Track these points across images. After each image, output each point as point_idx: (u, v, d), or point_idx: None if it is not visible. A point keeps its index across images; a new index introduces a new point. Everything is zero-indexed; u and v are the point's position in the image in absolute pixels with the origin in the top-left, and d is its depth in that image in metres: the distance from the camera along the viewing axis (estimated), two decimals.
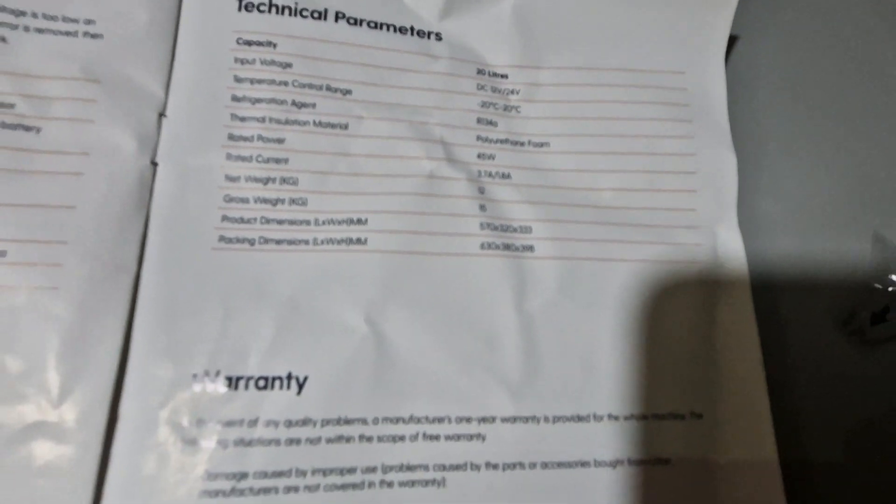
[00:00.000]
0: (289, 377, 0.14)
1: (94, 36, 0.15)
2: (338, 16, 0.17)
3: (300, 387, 0.14)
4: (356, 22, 0.17)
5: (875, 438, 0.17)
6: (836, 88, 0.21)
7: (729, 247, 0.17)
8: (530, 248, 0.16)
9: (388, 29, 0.17)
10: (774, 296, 0.18)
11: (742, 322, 0.17)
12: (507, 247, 0.16)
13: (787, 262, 0.18)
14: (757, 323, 0.17)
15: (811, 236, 0.19)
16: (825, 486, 0.17)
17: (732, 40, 0.21)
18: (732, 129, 0.19)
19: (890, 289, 0.17)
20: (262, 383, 0.14)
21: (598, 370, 0.15)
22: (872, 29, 0.21)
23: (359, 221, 0.16)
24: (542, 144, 0.18)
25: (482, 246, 0.16)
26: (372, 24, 0.17)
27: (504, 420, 0.15)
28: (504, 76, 0.18)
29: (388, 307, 0.15)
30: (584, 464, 0.15)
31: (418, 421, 0.14)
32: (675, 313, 0.16)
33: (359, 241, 0.15)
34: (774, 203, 0.19)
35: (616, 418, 0.15)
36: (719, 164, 0.18)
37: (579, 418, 0.15)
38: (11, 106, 0.14)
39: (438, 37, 0.18)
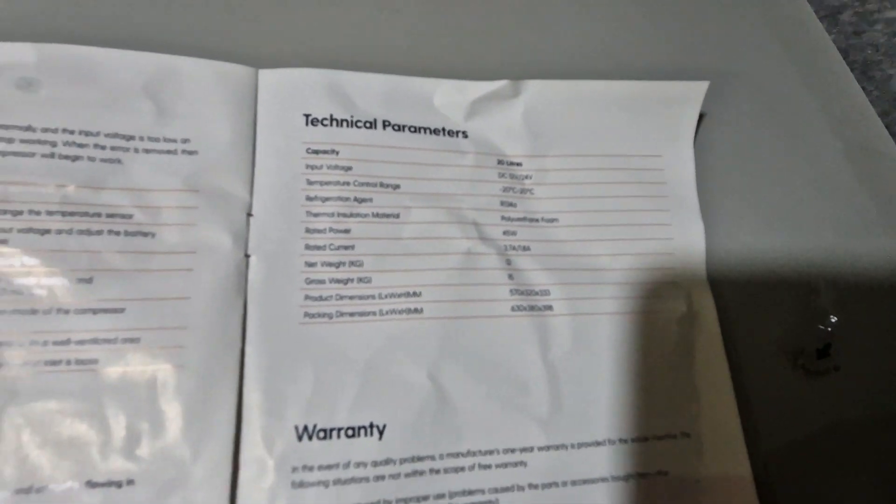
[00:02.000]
0: (371, 426, 0.18)
1: (190, 153, 0.19)
2: (384, 124, 0.21)
3: (381, 433, 0.17)
4: (399, 128, 0.21)
5: (820, 455, 0.21)
6: (778, 159, 0.26)
7: (701, 298, 0.22)
8: (550, 308, 0.20)
9: (424, 131, 0.21)
10: (736, 336, 0.23)
11: (714, 358, 0.21)
12: (531, 308, 0.20)
13: (746, 307, 0.23)
14: None
15: (764, 285, 0.23)
16: (783, 499, 0.21)
17: (700, 117, 0.25)
18: (701, 196, 0.23)
19: (830, 329, 0.22)
20: (350, 432, 0.17)
21: (607, 403, 0.19)
22: (805, 108, 0.27)
23: (414, 294, 0.19)
24: (552, 220, 0.22)
25: (513, 308, 0.20)
26: (412, 129, 0.21)
27: (539, 449, 0.19)
28: (519, 164, 0.22)
29: (443, 364, 0.19)
30: (603, 479, 0.19)
31: (474, 454, 0.18)
32: (662, 353, 0.21)
33: (416, 310, 0.19)
34: (733, 257, 0.24)
35: (625, 441, 0.19)
36: (690, 232, 0.22)
37: (597, 443, 0.19)
38: (130, 216, 0.18)
39: (465, 135, 0.22)
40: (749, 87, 0.27)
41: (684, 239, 0.22)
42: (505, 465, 0.18)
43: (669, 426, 0.20)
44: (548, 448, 0.19)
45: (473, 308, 0.20)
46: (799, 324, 0.23)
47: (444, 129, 0.22)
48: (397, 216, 0.20)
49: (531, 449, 0.18)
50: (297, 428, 0.17)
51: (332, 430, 0.17)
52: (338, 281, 0.19)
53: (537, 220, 0.22)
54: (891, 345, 0.23)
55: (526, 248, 0.21)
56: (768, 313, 0.23)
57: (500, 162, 0.22)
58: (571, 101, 0.23)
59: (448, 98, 0.22)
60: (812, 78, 0.28)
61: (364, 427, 0.18)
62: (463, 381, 0.19)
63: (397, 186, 0.20)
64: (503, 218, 0.21)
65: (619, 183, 0.22)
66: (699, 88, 0.23)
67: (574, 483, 0.18)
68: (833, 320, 0.22)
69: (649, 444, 0.19)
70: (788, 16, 0.29)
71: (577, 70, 0.24)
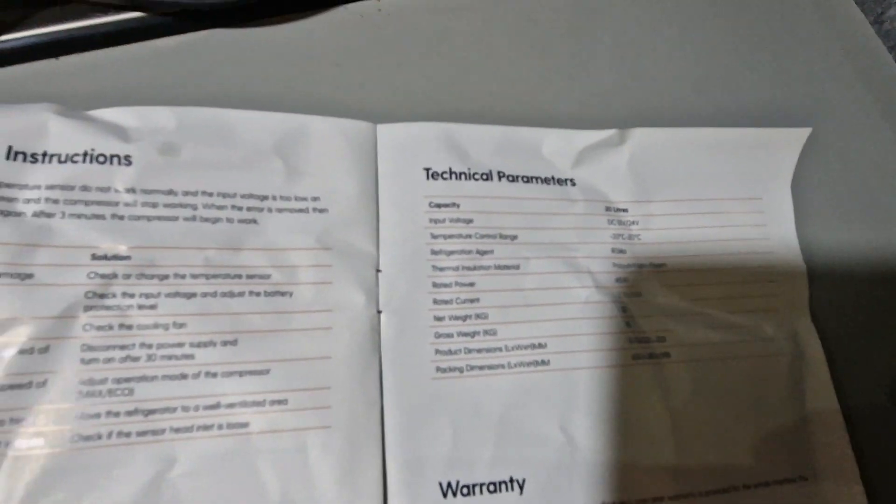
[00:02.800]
0: (511, 481, 0.18)
1: (321, 210, 0.19)
2: (499, 175, 0.21)
3: (521, 488, 0.18)
4: (513, 178, 0.21)
5: None
6: (872, 198, 0.26)
7: (807, 337, 0.22)
8: (667, 355, 0.21)
9: (536, 181, 0.22)
10: (841, 375, 0.23)
11: (825, 397, 0.21)
12: (651, 355, 0.20)
13: (850, 345, 0.23)
14: None
15: (866, 322, 0.24)
16: None
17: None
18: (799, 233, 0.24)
19: None
20: (492, 488, 0.18)
21: (730, 451, 0.20)
22: (890, 143, 0.27)
23: (540, 346, 0.19)
24: (660, 265, 0.22)
25: (633, 357, 0.20)
26: (524, 179, 0.21)
27: (670, 498, 0.19)
28: (625, 210, 0.22)
29: (573, 416, 0.19)
30: None
31: None
32: (775, 396, 0.21)
33: (543, 362, 0.19)
34: (834, 294, 0.24)
35: (749, 487, 0.19)
36: (792, 273, 0.23)
37: (723, 490, 0.19)
38: (268, 276, 0.18)
39: (573, 182, 0.22)
40: (830, 122, 0.27)
41: (787, 279, 0.23)
42: None
43: (788, 471, 0.20)
44: (677, 498, 0.19)
45: (597, 358, 0.20)
46: None
47: (553, 178, 0.22)
48: (517, 267, 0.20)
49: (662, 499, 0.19)
50: (440, 485, 0.17)
51: (474, 485, 0.17)
52: (465, 334, 0.19)
53: (646, 266, 0.22)
54: None
55: (638, 295, 0.21)
56: (872, 350, 0.23)
57: (607, 209, 0.22)
58: (674, 147, 0.23)
59: (556, 147, 0.22)
60: (888, 110, 0.29)
61: (505, 482, 0.18)
62: (593, 432, 0.19)
63: (515, 237, 0.21)
64: (615, 265, 0.22)
65: (722, 226, 0.23)
66: (801, 135, 0.24)
67: None
68: None
69: (770, 489, 0.20)
70: (864, 51, 0.30)
71: (673, 116, 0.25)
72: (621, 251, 0.22)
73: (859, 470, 0.21)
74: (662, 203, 0.23)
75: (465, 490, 0.17)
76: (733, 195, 0.23)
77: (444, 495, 0.17)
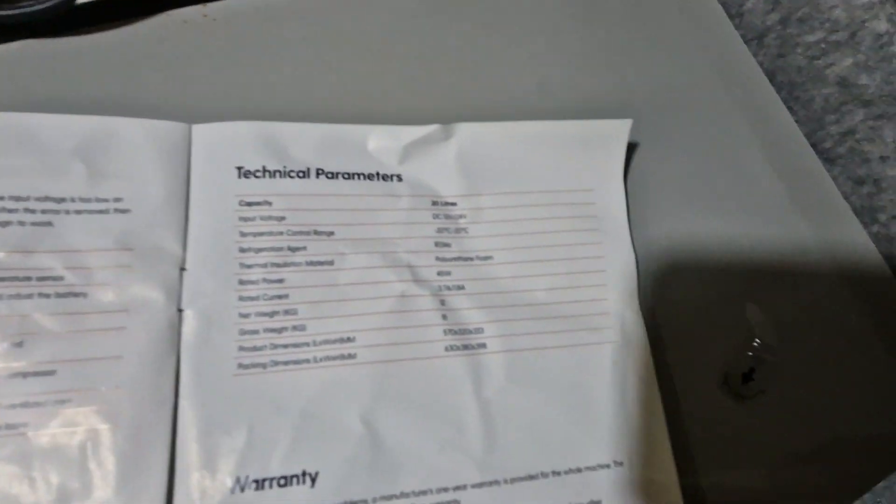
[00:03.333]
0: (304, 474, 0.18)
1: (123, 211, 0.19)
2: (318, 172, 0.21)
3: (313, 481, 0.18)
4: (333, 175, 0.21)
5: (750, 479, 0.22)
6: (711, 183, 0.27)
7: (633, 327, 0.22)
8: (483, 346, 0.21)
9: (359, 177, 0.22)
10: (669, 360, 0.23)
11: (647, 386, 0.22)
12: (465, 347, 0.21)
13: (678, 331, 0.24)
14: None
15: (695, 309, 0.24)
16: None
17: (635, 147, 0.26)
18: (636, 222, 0.24)
19: (752, 354, 0.23)
20: (283, 482, 0.18)
21: (541, 437, 0.20)
22: (736, 131, 0.28)
23: (349, 339, 0.20)
24: (487, 258, 0.22)
25: (446, 348, 0.20)
26: (346, 175, 0.22)
27: (473, 486, 0.19)
28: (454, 204, 0.23)
29: (378, 408, 0.19)
30: None
31: (407, 496, 0.18)
32: (596, 384, 0.21)
33: (350, 356, 0.19)
34: (665, 282, 0.25)
35: (558, 473, 0.20)
36: (622, 262, 0.23)
37: (531, 477, 0.19)
38: (61, 278, 0.18)
39: (399, 178, 0.22)
40: (682, 113, 0.28)
41: (617, 270, 0.23)
42: None
43: (602, 456, 0.20)
44: (481, 485, 0.19)
45: (407, 350, 0.20)
46: (728, 348, 0.23)
47: (378, 174, 0.22)
48: (332, 263, 0.21)
49: (465, 487, 0.19)
50: (230, 480, 0.17)
51: (264, 480, 0.18)
52: (272, 330, 0.19)
53: (472, 259, 0.22)
54: (817, 367, 0.25)
55: (460, 288, 0.22)
56: (699, 337, 0.23)
57: (434, 203, 0.22)
58: (502, 141, 0.24)
59: (381, 143, 0.22)
60: (741, 101, 0.29)
61: (297, 476, 0.18)
62: (397, 423, 0.19)
63: (332, 233, 0.21)
64: (438, 258, 0.22)
65: (552, 218, 0.23)
66: (624, 126, 0.24)
67: None
68: (755, 343, 0.23)
69: (583, 474, 0.20)
70: (717, 41, 0.30)
71: (511, 112, 0.25)
72: (446, 245, 0.22)
73: (688, 458, 0.22)
74: (492, 196, 0.23)
75: (255, 484, 0.18)
76: (564, 187, 0.24)
77: (232, 491, 0.17)
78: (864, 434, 0.25)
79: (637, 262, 0.24)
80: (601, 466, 0.20)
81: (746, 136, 0.28)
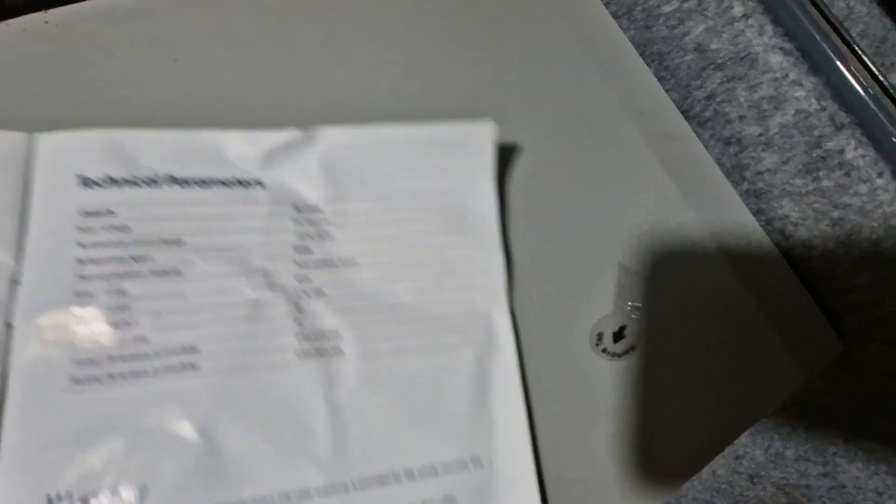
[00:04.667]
0: (134, 487, 0.17)
1: None
2: (171, 180, 0.21)
3: (143, 494, 0.17)
4: (186, 183, 0.21)
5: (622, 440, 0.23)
6: (586, 159, 0.27)
7: (500, 327, 0.22)
8: (340, 351, 0.21)
9: (215, 185, 0.22)
10: (543, 327, 0.24)
11: (511, 384, 0.22)
12: (319, 352, 0.20)
13: (551, 301, 0.24)
14: (525, 354, 0.23)
15: (569, 277, 0.25)
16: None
17: (513, 149, 0.27)
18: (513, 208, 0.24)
19: (627, 309, 0.24)
20: (110, 496, 0.17)
21: (394, 439, 0.20)
22: (608, 105, 0.28)
23: (192, 350, 0.19)
24: (350, 263, 0.22)
25: (298, 354, 0.20)
26: (201, 183, 0.21)
27: (318, 491, 0.19)
28: (318, 210, 0.22)
29: (219, 417, 0.19)
30: None
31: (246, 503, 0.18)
32: (457, 384, 0.21)
33: (191, 366, 0.19)
34: (544, 258, 0.25)
35: (411, 473, 0.20)
36: (490, 263, 0.23)
37: (381, 478, 0.19)
38: None
39: (261, 184, 0.22)
40: (557, 95, 0.29)
41: (485, 271, 0.23)
42: None
43: (458, 453, 0.20)
44: (326, 490, 0.19)
45: (255, 359, 0.20)
46: (603, 311, 0.24)
47: (237, 180, 0.22)
48: (179, 272, 0.20)
49: (308, 492, 0.19)
50: (50, 497, 0.17)
51: (90, 497, 0.17)
52: (109, 343, 0.19)
53: (335, 264, 0.22)
54: (687, 324, 0.26)
55: (320, 293, 0.21)
56: (572, 301, 0.24)
57: (297, 209, 0.22)
58: (368, 145, 0.24)
59: (240, 149, 0.22)
60: (612, 75, 0.30)
61: (123, 489, 0.17)
62: (239, 432, 0.19)
63: (181, 242, 0.21)
64: (297, 264, 0.22)
65: (418, 221, 0.23)
66: (488, 127, 0.24)
67: None
68: (629, 305, 0.24)
69: (438, 473, 0.20)
70: (586, 17, 0.31)
71: (378, 114, 0.25)
72: (307, 250, 0.22)
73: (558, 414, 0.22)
74: (358, 201, 0.23)
75: (80, 501, 0.17)
76: (430, 190, 0.24)
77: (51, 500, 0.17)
78: (728, 388, 0.26)
79: (510, 261, 0.24)
80: (458, 463, 0.20)
81: (619, 108, 0.29)
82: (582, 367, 0.24)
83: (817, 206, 0.29)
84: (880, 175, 0.27)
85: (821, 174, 0.29)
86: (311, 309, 0.21)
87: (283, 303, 0.21)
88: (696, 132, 0.31)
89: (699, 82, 0.30)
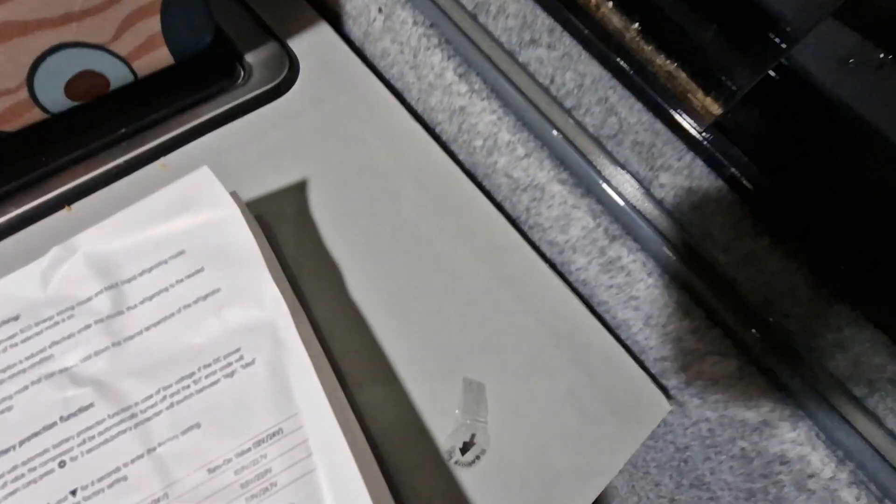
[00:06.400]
0: None
1: None
2: None
3: None
4: None
5: None
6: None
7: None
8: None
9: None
10: (397, 450, 0.27)
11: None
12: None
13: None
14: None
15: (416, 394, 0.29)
16: None
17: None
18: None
19: (473, 421, 0.28)
20: None
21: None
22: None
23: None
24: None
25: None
26: None
27: None
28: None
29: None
30: None
31: None
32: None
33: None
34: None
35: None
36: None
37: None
38: None
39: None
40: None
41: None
42: None
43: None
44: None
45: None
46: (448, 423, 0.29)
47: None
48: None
49: None
50: None
51: None
52: None
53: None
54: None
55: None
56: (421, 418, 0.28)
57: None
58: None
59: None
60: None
61: None
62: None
63: None
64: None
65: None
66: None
67: None
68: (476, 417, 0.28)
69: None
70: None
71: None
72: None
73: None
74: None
75: None
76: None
77: None
78: (573, 469, 0.30)
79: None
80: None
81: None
82: (437, 484, 0.27)
83: (619, 296, 0.34)
84: (650, 275, 0.32)
85: (614, 274, 0.34)
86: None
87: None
88: (526, 235, 0.38)
89: (516, 198, 0.37)
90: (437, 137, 0.39)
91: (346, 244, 0.33)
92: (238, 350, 0.26)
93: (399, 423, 0.29)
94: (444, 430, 0.29)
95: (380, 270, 0.33)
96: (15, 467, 0.23)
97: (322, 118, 0.37)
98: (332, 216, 0.34)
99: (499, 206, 0.37)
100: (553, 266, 0.37)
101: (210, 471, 0.23)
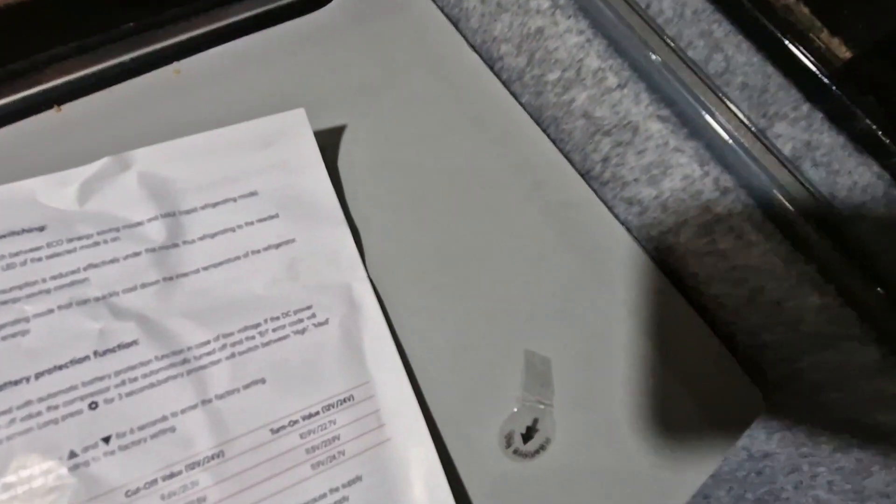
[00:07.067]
0: None
1: None
2: None
3: None
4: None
5: None
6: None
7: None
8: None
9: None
10: (450, 432, 0.23)
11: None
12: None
13: (456, 401, 0.23)
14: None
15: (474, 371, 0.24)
16: None
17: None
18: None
19: (537, 402, 0.23)
20: None
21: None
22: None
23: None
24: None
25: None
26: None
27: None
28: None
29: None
30: None
31: None
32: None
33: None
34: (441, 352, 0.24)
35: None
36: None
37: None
38: None
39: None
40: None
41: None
42: None
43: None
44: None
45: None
46: (507, 404, 0.23)
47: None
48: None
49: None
50: None
51: None
52: None
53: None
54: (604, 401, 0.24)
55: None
56: (476, 400, 0.23)
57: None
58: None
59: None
60: (509, 143, 0.31)
61: None
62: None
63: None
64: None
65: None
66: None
67: None
68: (538, 397, 0.23)
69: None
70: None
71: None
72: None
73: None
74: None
75: None
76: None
77: None
78: (656, 468, 0.24)
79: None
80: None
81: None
82: (493, 474, 0.22)
83: (720, 265, 0.28)
84: (768, 239, 0.26)
85: (716, 237, 0.28)
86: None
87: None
88: (597, 192, 0.32)
89: (592, 146, 0.31)
90: (496, 75, 0.33)
91: (384, 196, 0.27)
92: (310, 307, 0.23)
93: (449, 399, 0.23)
94: (501, 412, 0.23)
95: (425, 228, 0.27)
96: (28, 402, 0.18)
97: (364, 40, 0.31)
98: (368, 160, 0.28)
99: (566, 158, 0.31)
100: (629, 230, 0.31)
101: (273, 431, 0.20)
